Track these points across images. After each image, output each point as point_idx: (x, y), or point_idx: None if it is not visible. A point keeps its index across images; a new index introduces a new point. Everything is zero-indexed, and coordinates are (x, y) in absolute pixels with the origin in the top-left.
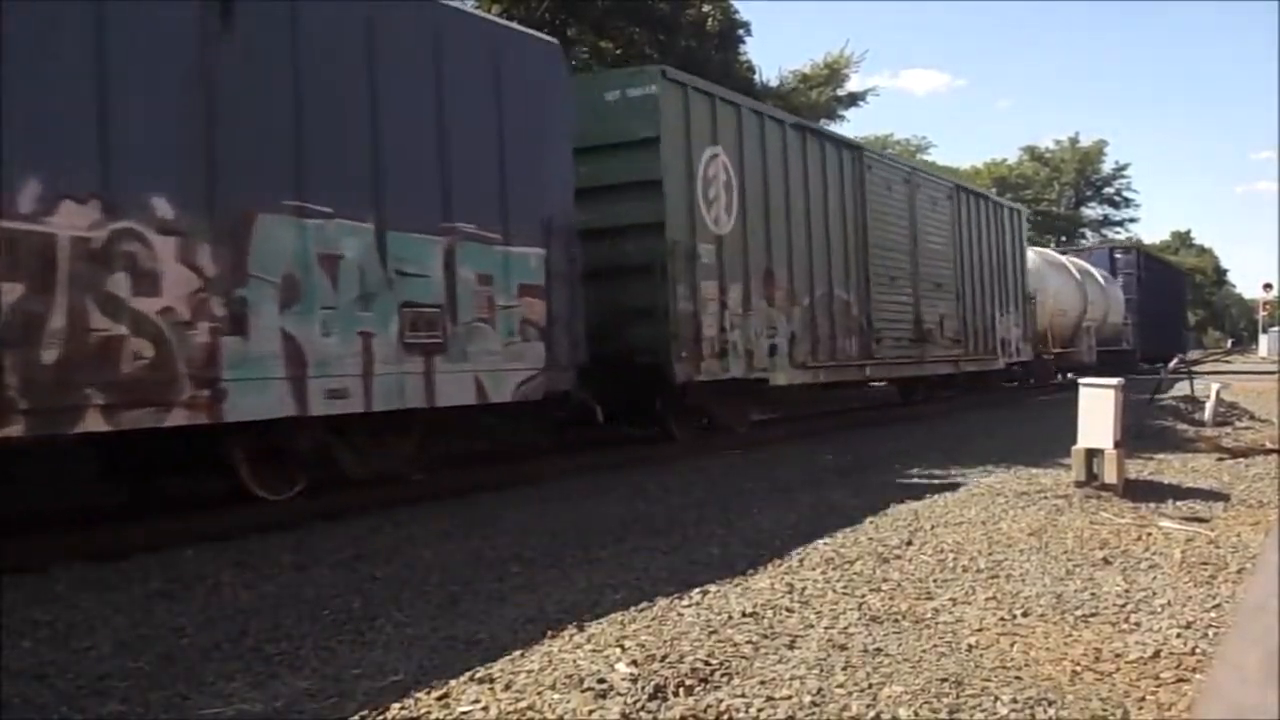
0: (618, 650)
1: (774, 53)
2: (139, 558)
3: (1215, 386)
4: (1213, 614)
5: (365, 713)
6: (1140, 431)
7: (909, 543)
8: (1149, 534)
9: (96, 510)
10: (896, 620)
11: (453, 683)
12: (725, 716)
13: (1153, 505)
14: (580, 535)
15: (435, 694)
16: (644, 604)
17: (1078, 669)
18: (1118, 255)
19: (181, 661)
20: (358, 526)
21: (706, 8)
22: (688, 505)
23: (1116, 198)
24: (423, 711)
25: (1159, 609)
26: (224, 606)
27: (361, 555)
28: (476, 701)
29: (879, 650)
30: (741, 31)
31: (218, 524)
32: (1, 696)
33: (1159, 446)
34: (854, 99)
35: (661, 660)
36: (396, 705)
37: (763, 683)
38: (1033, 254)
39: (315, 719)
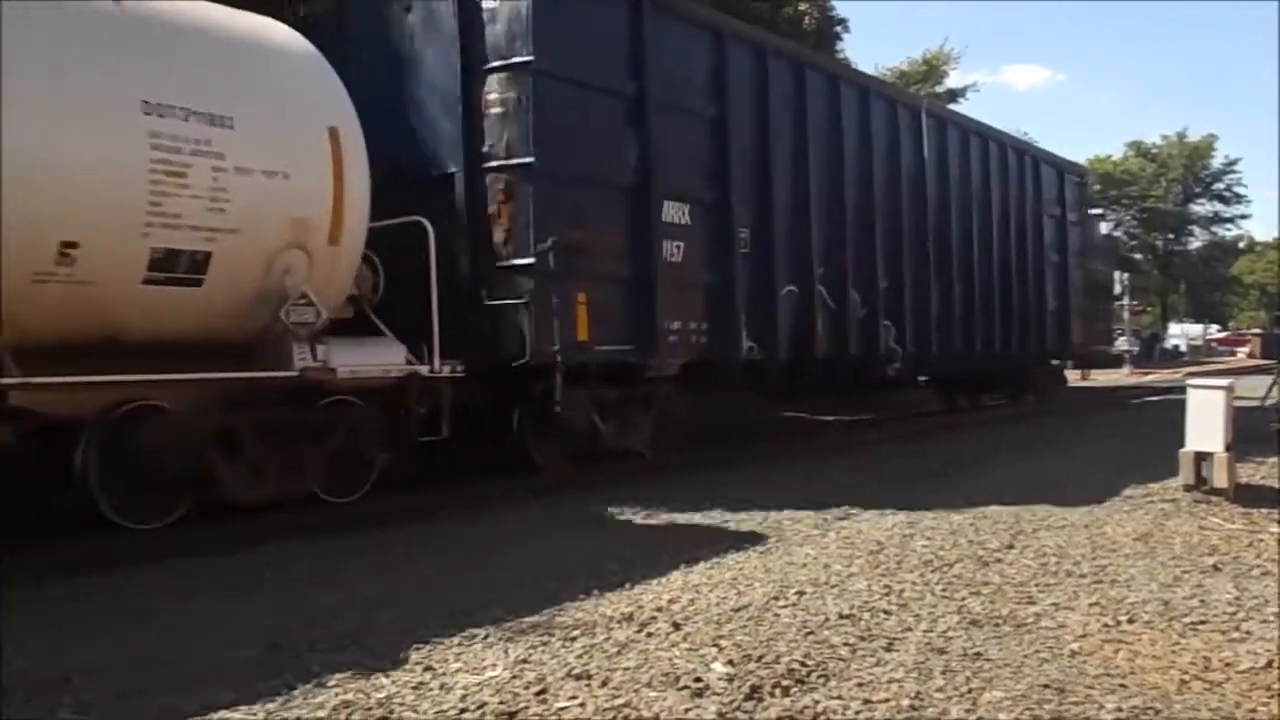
0: (714, 649)
1: (873, 50)
2: (242, 553)
3: None
4: None
5: (425, 705)
6: (1252, 434)
7: (1010, 546)
8: (1261, 540)
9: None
10: (997, 624)
11: (550, 679)
12: (822, 718)
13: (1265, 511)
14: (678, 536)
15: (534, 690)
16: (740, 603)
17: (1185, 678)
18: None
19: (288, 652)
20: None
21: (803, 6)
22: (785, 505)
23: (1227, 194)
24: (521, 706)
25: (1271, 618)
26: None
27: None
28: (574, 698)
29: (979, 654)
30: (839, 29)
31: (333, 517)
32: (122, 683)
33: (1272, 450)
34: (954, 95)
35: (758, 660)
36: (493, 699)
37: (860, 685)
38: None
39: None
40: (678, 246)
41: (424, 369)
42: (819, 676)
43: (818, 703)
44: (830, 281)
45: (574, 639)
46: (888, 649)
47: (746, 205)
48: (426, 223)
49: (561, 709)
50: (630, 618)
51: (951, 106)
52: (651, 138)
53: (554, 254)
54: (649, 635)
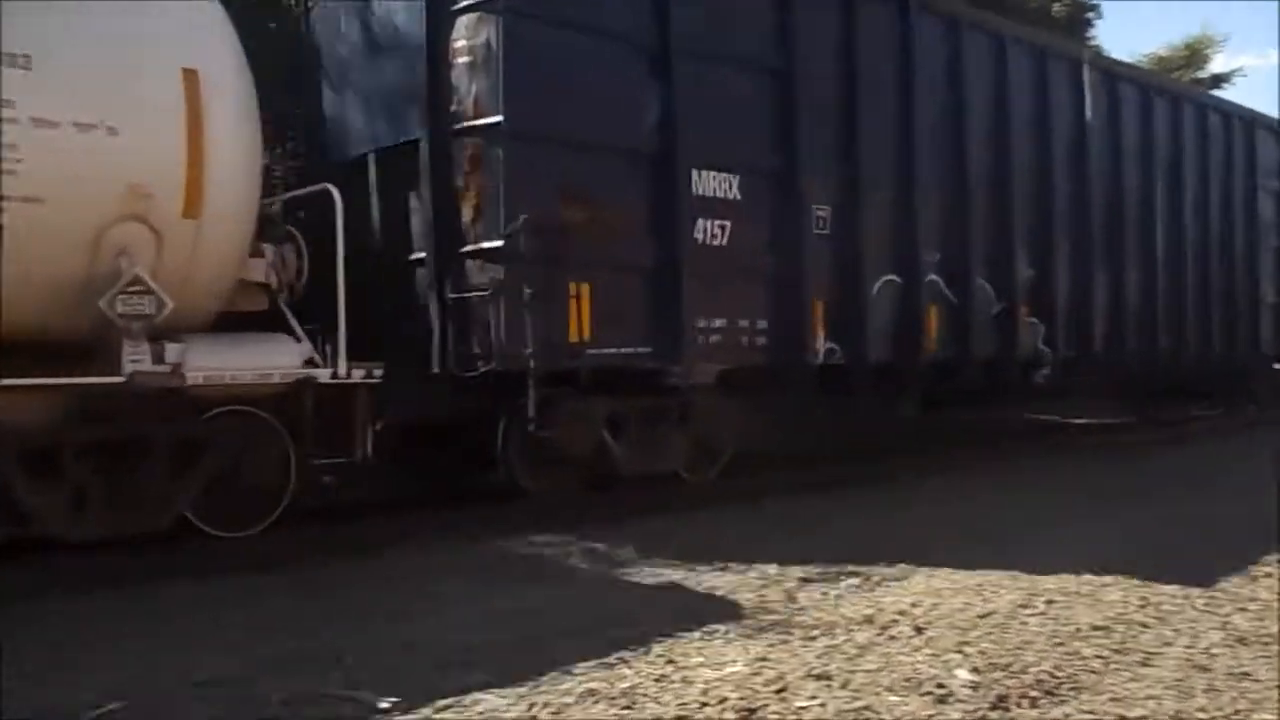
0: (958, 656)
1: (1129, 37)
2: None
3: None
4: None
5: (666, 697)
6: None
7: None
8: None
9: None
10: (1266, 643)
11: (790, 678)
12: None
13: None
14: (907, 540)
15: (773, 688)
16: (985, 610)
17: None
18: None
19: (541, 640)
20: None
21: None
22: (1039, 506)
23: None
24: (760, 703)
25: None
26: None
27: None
28: (814, 698)
29: (1246, 674)
30: (1091, 15)
31: (567, 515)
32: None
33: None
34: (1218, 80)
35: (1004, 669)
36: (733, 694)
37: (1114, 700)
38: None
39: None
40: (720, 226)
41: (325, 374)
42: (1070, 689)
43: (1068, 716)
44: (948, 269)
45: (814, 639)
46: (1144, 664)
47: (823, 177)
48: (334, 191)
49: (801, 708)
50: (871, 620)
51: (1215, 93)
52: (678, 93)
53: (528, 235)
54: (891, 638)
